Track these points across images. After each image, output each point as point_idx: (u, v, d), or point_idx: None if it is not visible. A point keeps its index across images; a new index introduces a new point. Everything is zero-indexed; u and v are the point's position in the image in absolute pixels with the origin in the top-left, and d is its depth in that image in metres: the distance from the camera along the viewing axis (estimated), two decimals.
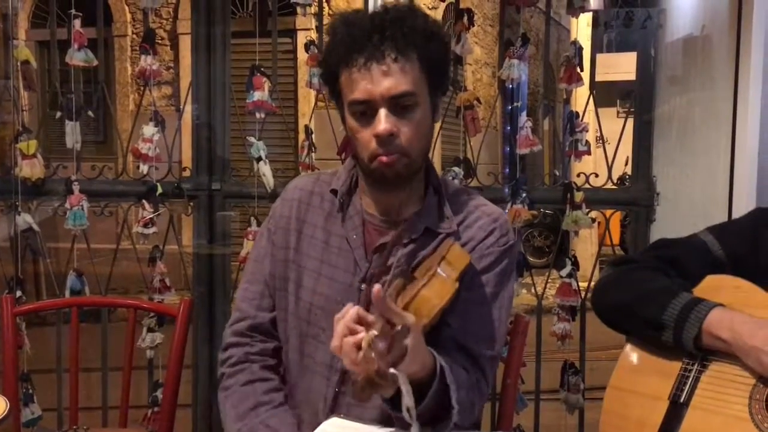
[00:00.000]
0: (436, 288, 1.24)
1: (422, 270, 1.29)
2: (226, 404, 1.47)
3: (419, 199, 1.43)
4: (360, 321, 1.11)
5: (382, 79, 1.28)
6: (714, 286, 1.44)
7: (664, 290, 1.43)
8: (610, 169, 2.55)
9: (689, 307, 1.38)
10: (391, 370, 1.05)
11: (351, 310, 1.12)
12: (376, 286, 1.06)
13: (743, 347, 1.32)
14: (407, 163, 1.33)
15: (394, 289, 1.22)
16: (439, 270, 1.26)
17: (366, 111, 1.30)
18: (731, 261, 1.46)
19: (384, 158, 1.31)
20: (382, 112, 1.29)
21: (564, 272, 2.52)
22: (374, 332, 1.06)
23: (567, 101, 2.58)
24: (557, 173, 2.77)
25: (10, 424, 1.84)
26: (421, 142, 1.35)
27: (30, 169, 2.48)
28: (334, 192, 1.46)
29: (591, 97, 2.54)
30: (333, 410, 1.39)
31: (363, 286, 1.38)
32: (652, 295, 1.44)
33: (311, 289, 1.43)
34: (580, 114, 2.49)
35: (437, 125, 1.49)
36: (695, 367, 1.39)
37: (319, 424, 1.29)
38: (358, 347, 1.07)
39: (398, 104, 1.30)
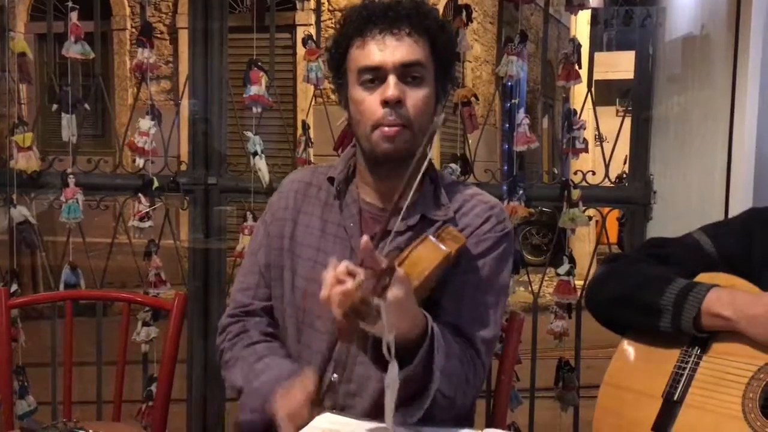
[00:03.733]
0: (425, 252, 1.25)
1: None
2: (231, 372, 1.46)
3: (416, 189, 1.43)
4: (349, 274, 1.10)
5: (395, 46, 1.33)
6: (708, 282, 1.44)
7: (660, 277, 1.44)
8: (607, 167, 2.55)
9: (687, 290, 1.39)
10: (375, 300, 1.05)
11: (341, 263, 1.11)
12: (364, 238, 1.06)
13: (745, 318, 1.32)
14: (408, 138, 1.34)
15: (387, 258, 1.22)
16: (430, 237, 1.27)
17: (375, 78, 1.33)
18: (724, 260, 1.46)
19: (386, 129, 1.32)
20: (392, 79, 1.32)
21: (562, 270, 2.52)
22: (361, 277, 1.07)
23: (566, 99, 2.57)
24: (556, 171, 2.77)
25: (4, 417, 1.84)
26: (424, 119, 1.36)
27: (25, 161, 2.47)
28: (331, 180, 1.46)
29: (589, 95, 2.54)
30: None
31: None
32: (649, 282, 1.44)
33: (306, 277, 1.43)
34: (578, 112, 2.49)
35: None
36: (689, 364, 1.39)
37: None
38: (346, 296, 1.07)
39: (408, 74, 1.33)
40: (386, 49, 1.32)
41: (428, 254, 1.25)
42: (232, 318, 1.52)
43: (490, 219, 1.42)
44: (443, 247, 1.26)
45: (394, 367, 1.08)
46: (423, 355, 1.18)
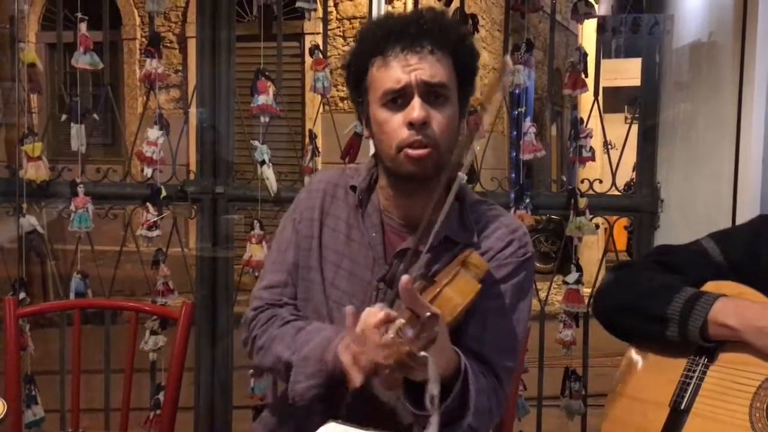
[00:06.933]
0: (459, 287, 1.22)
1: (443, 274, 1.28)
2: (270, 351, 1.40)
3: (440, 207, 1.38)
4: (386, 319, 1.10)
5: (419, 66, 1.28)
6: (716, 291, 1.43)
7: (667, 286, 1.43)
8: (614, 175, 2.55)
9: (694, 299, 1.39)
10: (422, 353, 1.05)
11: (380, 311, 1.10)
12: (405, 276, 1.05)
13: (752, 330, 1.33)
14: (436, 159, 1.30)
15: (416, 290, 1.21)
16: (462, 271, 1.25)
17: (398, 99, 1.29)
18: (731, 268, 1.46)
19: (413, 152, 1.28)
20: (417, 100, 1.28)
21: (571, 279, 2.51)
22: (401, 320, 1.06)
23: (574, 107, 2.57)
24: (564, 179, 2.76)
25: (11, 426, 1.85)
26: (451, 139, 1.32)
27: (35, 171, 2.49)
28: (353, 188, 1.44)
29: (596, 103, 2.54)
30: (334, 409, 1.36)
31: (381, 284, 1.37)
32: (655, 291, 1.44)
33: (330, 281, 1.41)
34: (585, 120, 2.49)
35: None
36: (697, 373, 1.39)
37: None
38: (393, 350, 1.07)
39: (432, 93, 1.29)
40: (409, 68, 1.28)
41: (461, 289, 1.22)
42: (257, 310, 1.45)
43: (512, 243, 1.38)
44: (475, 282, 1.24)
45: (435, 419, 1.08)
46: (457, 393, 1.18)
